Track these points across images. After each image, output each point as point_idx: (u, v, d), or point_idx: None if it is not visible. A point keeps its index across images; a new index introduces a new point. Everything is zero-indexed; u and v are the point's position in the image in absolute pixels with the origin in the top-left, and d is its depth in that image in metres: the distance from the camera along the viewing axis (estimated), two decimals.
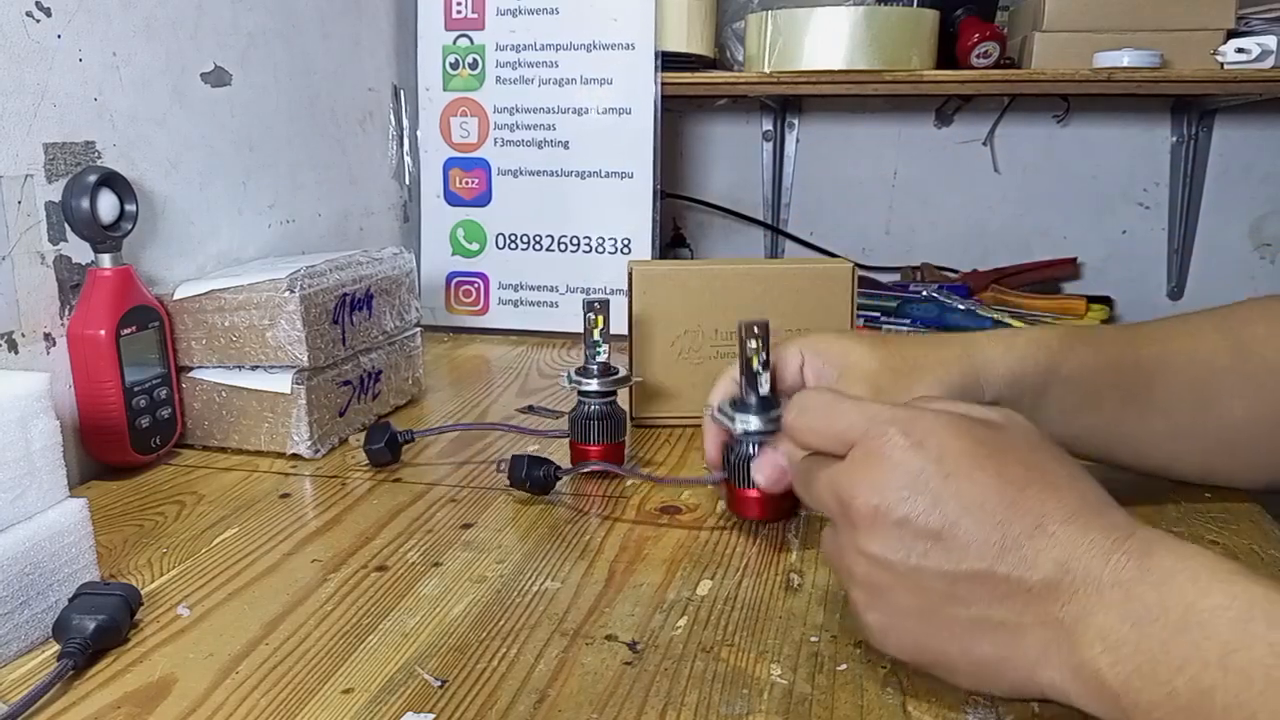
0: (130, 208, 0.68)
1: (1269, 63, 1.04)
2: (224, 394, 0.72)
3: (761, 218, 1.45)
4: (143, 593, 0.49)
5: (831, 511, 0.41)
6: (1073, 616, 0.35)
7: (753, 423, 0.54)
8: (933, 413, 0.40)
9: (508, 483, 0.64)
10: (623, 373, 0.67)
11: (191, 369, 0.72)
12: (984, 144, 1.39)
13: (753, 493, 0.56)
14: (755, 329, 0.52)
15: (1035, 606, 0.36)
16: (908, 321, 1.15)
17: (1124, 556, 0.35)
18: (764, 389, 0.54)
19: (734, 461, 0.56)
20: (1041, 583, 0.36)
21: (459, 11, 1.13)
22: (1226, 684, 0.31)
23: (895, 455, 0.38)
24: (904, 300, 1.21)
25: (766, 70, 1.13)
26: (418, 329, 0.86)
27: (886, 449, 0.38)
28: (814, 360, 0.55)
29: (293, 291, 0.69)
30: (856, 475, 0.39)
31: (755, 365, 0.53)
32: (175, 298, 0.71)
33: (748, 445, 0.55)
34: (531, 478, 0.62)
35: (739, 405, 0.55)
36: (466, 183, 1.15)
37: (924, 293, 1.22)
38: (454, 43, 1.13)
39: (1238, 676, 0.31)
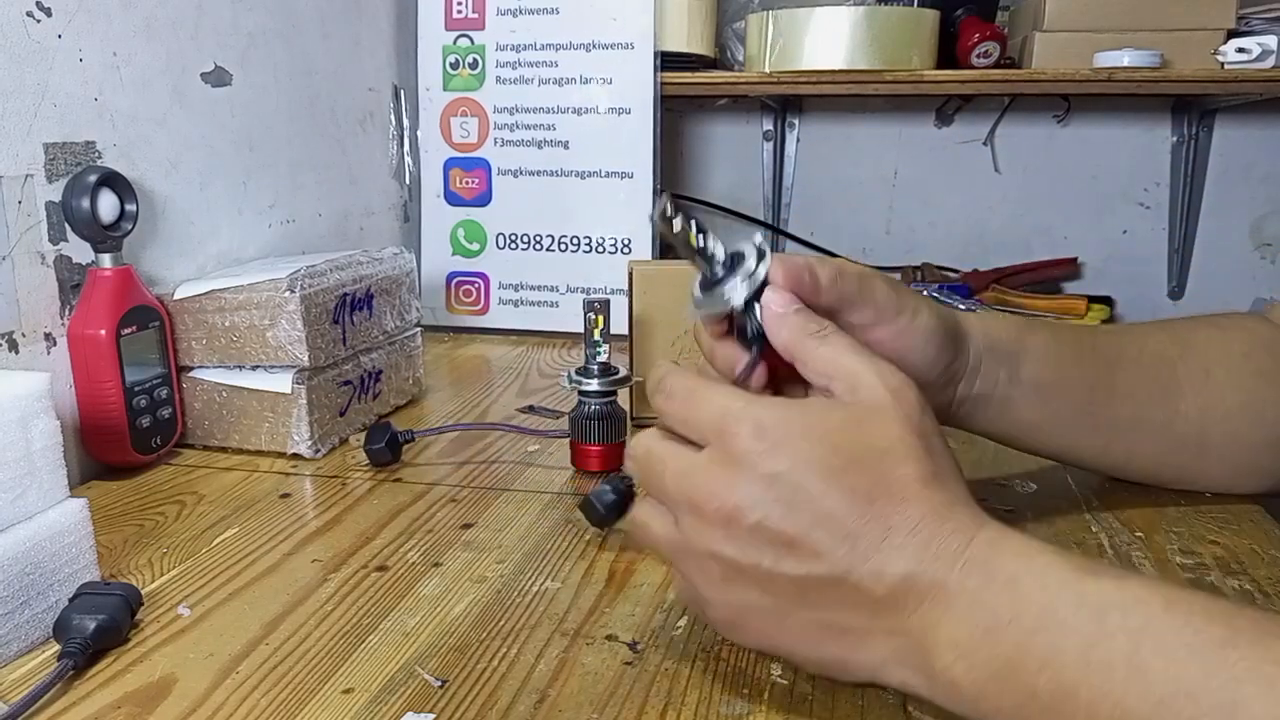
0: (130, 208, 0.68)
1: (1269, 63, 1.04)
2: (224, 394, 0.72)
3: (761, 218, 1.45)
4: (143, 593, 0.49)
5: (676, 505, 0.40)
6: (920, 626, 0.36)
7: (740, 289, 0.44)
8: (788, 409, 0.39)
9: (596, 528, 0.58)
10: (623, 373, 0.67)
11: (192, 369, 0.72)
12: (984, 144, 1.39)
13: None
14: (667, 209, 0.43)
15: (883, 616, 0.36)
16: None
17: (968, 564, 0.35)
18: (721, 254, 0.44)
19: (753, 335, 0.44)
20: (888, 594, 0.36)
21: (459, 11, 1.13)
22: (1089, 680, 0.31)
23: (750, 459, 0.38)
24: None
25: (767, 70, 1.13)
26: (418, 329, 0.86)
27: (741, 452, 0.38)
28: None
29: (293, 291, 0.69)
30: (711, 477, 0.38)
31: (697, 243, 0.44)
32: (175, 298, 0.71)
33: (752, 318, 0.44)
34: (609, 506, 0.55)
35: (712, 282, 0.44)
36: (467, 182, 1.15)
37: (924, 293, 1.22)
38: (454, 43, 1.13)
39: (1100, 670, 0.31)
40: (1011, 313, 1.17)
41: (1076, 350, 0.56)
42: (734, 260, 0.44)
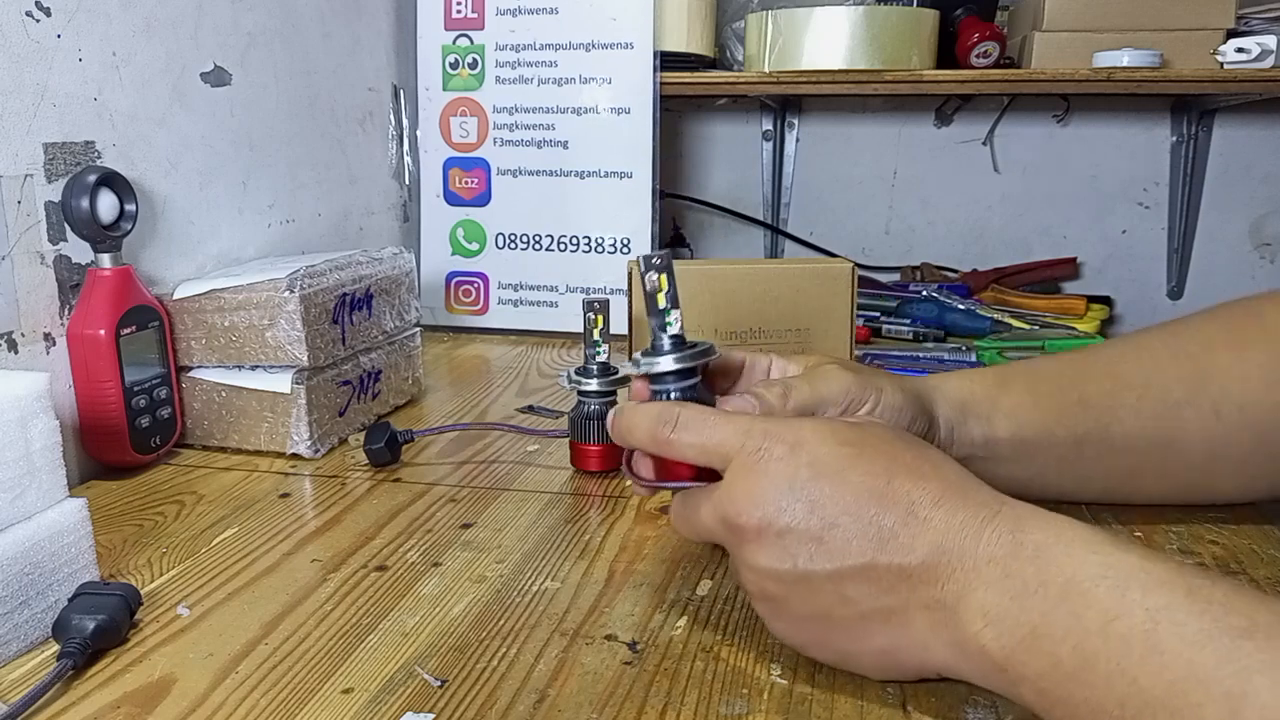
0: (130, 207, 0.68)
1: (1269, 62, 1.04)
2: (224, 394, 0.72)
3: (761, 218, 1.45)
4: (142, 592, 0.49)
5: (720, 537, 0.42)
6: (953, 595, 0.36)
7: (663, 363, 0.46)
8: (799, 420, 0.42)
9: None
10: (622, 373, 0.67)
11: (191, 369, 0.72)
12: (984, 144, 1.39)
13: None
14: (655, 260, 0.47)
15: (918, 590, 0.37)
16: (908, 321, 1.15)
17: (995, 533, 0.36)
18: (675, 328, 0.47)
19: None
20: (920, 566, 0.37)
21: (459, 11, 1.13)
22: (1108, 651, 0.32)
23: (770, 466, 0.40)
24: (904, 300, 1.21)
25: (766, 70, 1.13)
26: (417, 329, 0.86)
27: (761, 461, 0.40)
28: (780, 362, 0.53)
29: (292, 291, 0.69)
30: (737, 492, 0.40)
31: (662, 302, 0.47)
32: (175, 297, 0.71)
33: (665, 393, 0.47)
34: None
35: (649, 349, 0.47)
36: (466, 182, 1.15)
37: (924, 292, 1.22)
38: (454, 42, 1.13)
39: (1118, 643, 0.32)
40: (1011, 313, 1.17)
41: (1059, 404, 0.53)
42: (679, 341, 0.47)
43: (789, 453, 0.40)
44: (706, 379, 0.49)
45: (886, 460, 0.39)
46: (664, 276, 0.47)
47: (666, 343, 0.47)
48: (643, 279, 0.47)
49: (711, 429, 0.42)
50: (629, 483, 0.50)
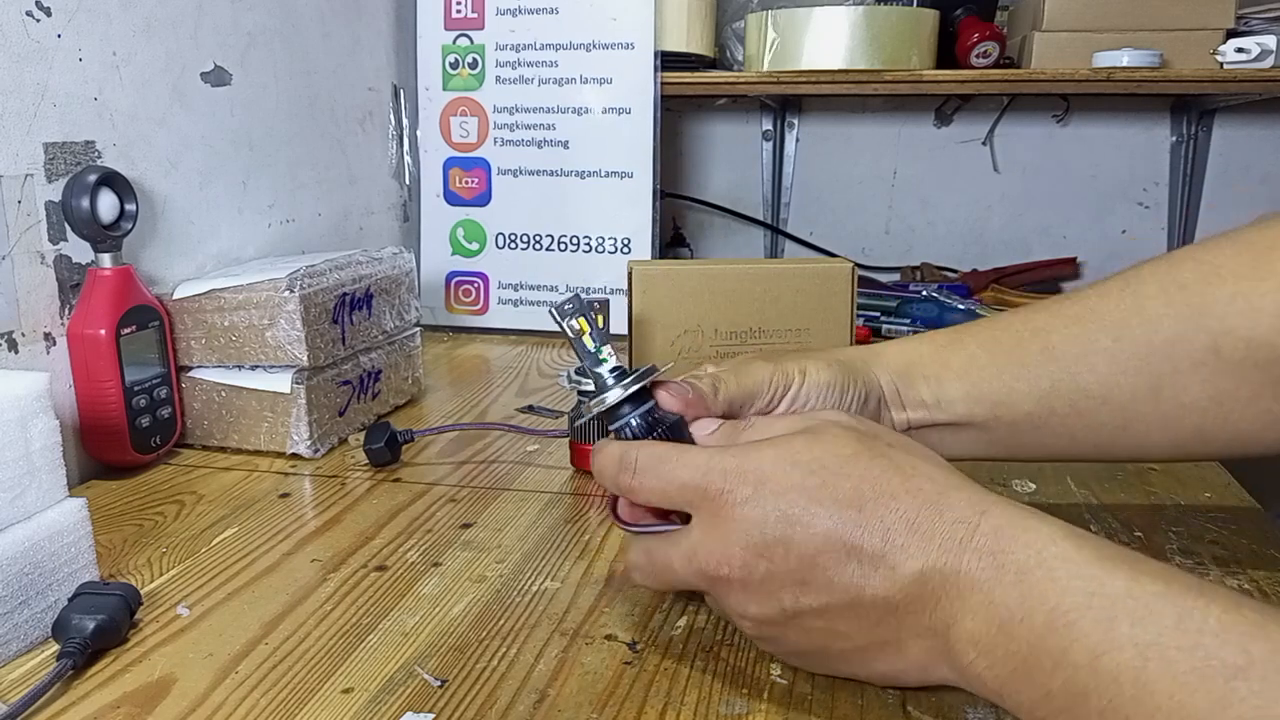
0: (130, 207, 0.68)
1: (1268, 62, 1.04)
2: (224, 394, 0.72)
3: (761, 217, 1.45)
4: (142, 592, 0.49)
5: (699, 587, 0.41)
6: (942, 623, 0.36)
7: (611, 397, 0.45)
8: (758, 449, 0.40)
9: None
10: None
11: (191, 368, 0.72)
12: (984, 144, 1.39)
13: None
14: (568, 306, 0.47)
15: (907, 620, 0.37)
16: (907, 321, 1.15)
17: (975, 555, 0.35)
18: (611, 362, 0.47)
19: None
20: (904, 597, 0.36)
21: (459, 11, 1.13)
22: (1099, 687, 0.31)
23: (738, 513, 0.38)
24: (904, 300, 1.21)
25: (766, 70, 1.13)
26: (417, 329, 0.86)
27: (727, 507, 0.39)
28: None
29: (292, 291, 0.69)
30: (711, 544, 0.39)
31: (590, 343, 0.47)
32: (175, 297, 0.71)
33: (626, 426, 0.46)
34: None
35: (594, 390, 0.47)
36: (466, 182, 1.15)
37: (924, 292, 1.22)
38: (454, 42, 1.13)
39: (1109, 680, 0.31)
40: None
41: (1020, 358, 0.48)
42: (621, 372, 0.46)
43: (754, 494, 0.38)
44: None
45: (855, 481, 0.38)
46: (583, 319, 0.47)
47: (608, 378, 0.46)
48: (563, 329, 0.47)
49: (670, 472, 0.41)
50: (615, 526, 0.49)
